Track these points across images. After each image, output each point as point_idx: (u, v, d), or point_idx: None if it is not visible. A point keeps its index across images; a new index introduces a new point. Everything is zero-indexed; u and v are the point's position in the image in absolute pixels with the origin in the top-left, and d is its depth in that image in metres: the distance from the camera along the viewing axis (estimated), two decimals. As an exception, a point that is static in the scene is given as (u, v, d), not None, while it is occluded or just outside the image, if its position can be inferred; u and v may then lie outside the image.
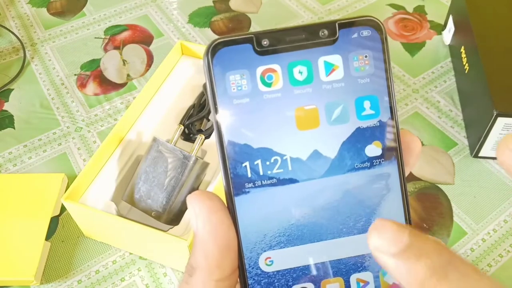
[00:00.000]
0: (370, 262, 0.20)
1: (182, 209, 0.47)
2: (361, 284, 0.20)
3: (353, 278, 0.20)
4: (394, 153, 0.20)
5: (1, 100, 0.62)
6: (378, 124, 0.19)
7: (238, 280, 0.19)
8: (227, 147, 0.19)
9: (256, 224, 0.19)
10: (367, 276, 0.20)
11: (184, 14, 0.74)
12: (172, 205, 0.46)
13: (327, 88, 0.19)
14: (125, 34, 0.71)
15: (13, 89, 0.64)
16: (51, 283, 0.47)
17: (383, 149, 0.20)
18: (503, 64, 0.54)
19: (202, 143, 0.49)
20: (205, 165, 0.48)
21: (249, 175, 0.19)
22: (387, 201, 0.20)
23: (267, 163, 0.19)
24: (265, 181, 0.19)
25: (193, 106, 0.56)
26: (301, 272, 0.20)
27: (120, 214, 0.47)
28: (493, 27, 0.58)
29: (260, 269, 0.19)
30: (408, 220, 0.20)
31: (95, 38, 0.71)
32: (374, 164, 0.20)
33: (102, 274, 0.47)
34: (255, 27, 0.72)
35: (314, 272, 0.20)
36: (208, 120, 0.56)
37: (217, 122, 0.19)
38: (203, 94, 0.57)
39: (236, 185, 0.19)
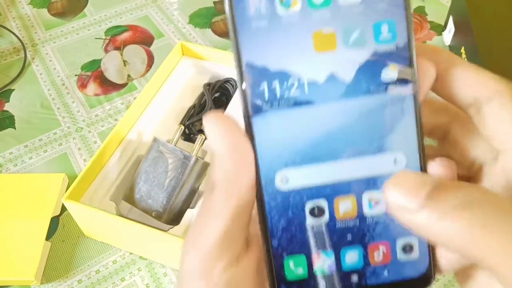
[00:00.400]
0: (382, 184, 0.20)
1: (183, 209, 0.47)
2: (372, 203, 0.20)
3: (365, 197, 0.20)
4: (410, 77, 0.20)
5: (2, 101, 0.63)
6: (395, 48, 0.20)
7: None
8: (245, 69, 0.19)
9: (272, 144, 0.20)
10: (378, 195, 0.20)
11: (184, 15, 0.74)
12: (173, 205, 0.46)
13: (345, 11, 0.19)
14: (125, 35, 0.71)
15: (14, 90, 0.64)
16: (51, 283, 0.47)
17: (399, 73, 0.20)
18: (503, 64, 0.54)
19: (203, 143, 0.49)
20: (206, 165, 0.48)
21: (266, 96, 0.19)
22: (401, 124, 0.20)
23: (284, 85, 0.19)
24: (282, 102, 0.19)
25: (193, 106, 0.56)
26: (315, 190, 0.20)
27: (120, 214, 0.47)
28: (494, 28, 0.58)
29: (276, 187, 0.20)
30: (421, 142, 0.20)
31: (96, 38, 0.71)
32: (390, 87, 0.20)
33: (103, 274, 0.47)
34: (255, 28, 0.72)
35: (327, 190, 0.20)
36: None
37: (236, 44, 0.19)
38: (203, 94, 0.57)
39: (253, 106, 0.19)
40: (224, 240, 0.19)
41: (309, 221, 0.20)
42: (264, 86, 0.19)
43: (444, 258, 0.20)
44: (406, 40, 0.20)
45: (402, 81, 0.20)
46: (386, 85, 0.20)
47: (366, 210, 0.20)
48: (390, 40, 0.20)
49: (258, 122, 0.19)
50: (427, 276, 0.21)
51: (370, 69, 0.20)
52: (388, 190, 0.18)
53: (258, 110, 0.19)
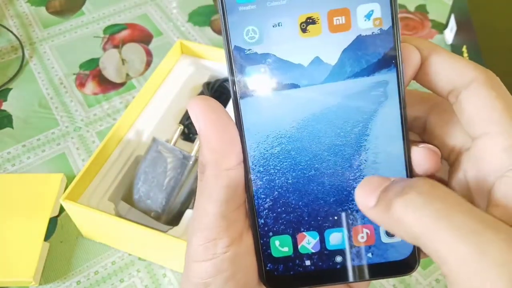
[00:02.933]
0: (366, 166, 0.21)
1: (182, 209, 0.46)
2: (356, 185, 0.21)
3: (349, 178, 0.21)
4: (394, 61, 0.20)
5: (-1, 100, 0.62)
6: (379, 33, 0.20)
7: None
8: (233, 52, 0.20)
9: (259, 125, 0.20)
10: (361, 177, 0.21)
11: (183, 13, 0.74)
12: (172, 205, 0.45)
13: None
14: (124, 33, 0.71)
15: (11, 89, 0.63)
16: (49, 284, 0.47)
17: (383, 57, 0.20)
18: (505, 63, 0.54)
19: (202, 143, 0.49)
20: (205, 165, 0.48)
21: (253, 79, 0.20)
22: (385, 108, 0.20)
23: (270, 68, 0.20)
24: (268, 84, 0.20)
25: (192, 106, 0.56)
26: (301, 171, 0.21)
27: (119, 215, 0.47)
28: (495, 26, 0.58)
29: (263, 167, 0.21)
30: (404, 124, 0.21)
31: (94, 37, 0.70)
32: (374, 71, 0.20)
33: (101, 275, 0.47)
34: (255, 26, 0.72)
35: (312, 170, 0.21)
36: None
37: (225, 28, 0.20)
38: (203, 94, 0.56)
39: (241, 88, 0.20)
40: (222, 219, 0.20)
41: (295, 200, 0.21)
42: (251, 69, 0.20)
43: None
44: (390, 24, 0.20)
45: (386, 65, 0.20)
46: (370, 69, 0.20)
47: (351, 191, 0.21)
48: (375, 24, 0.20)
49: (245, 104, 0.20)
50: (412, 260, 0.21)
51: (355, 53, 0.20)
52: (356, 192, 0.19)
53: (245, 92, 0.20)
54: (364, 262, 0.21)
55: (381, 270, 0.21)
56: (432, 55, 0.20)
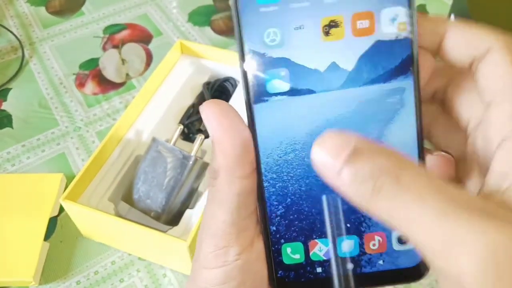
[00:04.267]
0: None
1: (182, 209, 0.46)
2: None
3: None
4: (412, 68, 0.20)
5: (-1, 100, 0.62)
6: (401, 38, 0.20)
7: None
8: (247, 55, 0.19)
9: (273, 131, 0.20)
10: None
11: (183, 13, 0.74)
12: (172, 205, 0.45)
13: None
14: (124, 33, 0.71)
15: (11, 89, 0.63)
16: (49, 283, 0.47)
17: (401, 63, 0.20)
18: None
19: (202, 143, 0.49)
20: (205, 165, 0.48)
21: (267, 84, 0.19)
22: (400, 115, 0.20)
23: (286, 72, 0.19)
24: (283, 90, 0.20)
25: (192, 106, 0.56)
26: (314, 178, 0.20)
27: (119, 215, 0.47)
28: (495, 26, 0.58)
29: (276, 173, 0.20)
30: (420, 132, 0.20)
31: (94, 37, 0.70)
32: (391, 78, 0.20)
33: (101, 275, 0.47)
34: (255, 26, 0.72)
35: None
36: (208, 119, 0.56)
37: (239, 29, 0.19)
38: (203, 94, 0.56)
39: (255, 93, 0.19)
40: (233, 226, 0.19)
41: (308, 207, 0.20)
42: (266, 73, 0.19)
43: None
44: (410, 30, 0.19)
45: (403, 71, 0.20)
46: (388, 75, 0.20)
47: None
48: (399, 28, 0.19)
49: (259, 110, 0.20)
50: (422, 266, 0.21)
51: (374, 58, 0.20)
52: (313, 149, 0.17)
53: (259, 97, 0.19)
54: (375, 269, 0.21)
55: (391, 277, 0.21)
56: (448, 30, 0.20)
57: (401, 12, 0.19)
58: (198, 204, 0.47)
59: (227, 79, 0.58)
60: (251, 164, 0.19)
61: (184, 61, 0.60)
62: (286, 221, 0.20)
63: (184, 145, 0.52)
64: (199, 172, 0.47)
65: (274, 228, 0.21)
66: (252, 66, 0.19)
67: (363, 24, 0.19)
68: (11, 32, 0.70)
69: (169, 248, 0.44)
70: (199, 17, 0.73)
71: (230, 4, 0.19)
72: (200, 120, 0.55)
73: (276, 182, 0.20)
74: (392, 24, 0.19)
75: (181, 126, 0.51)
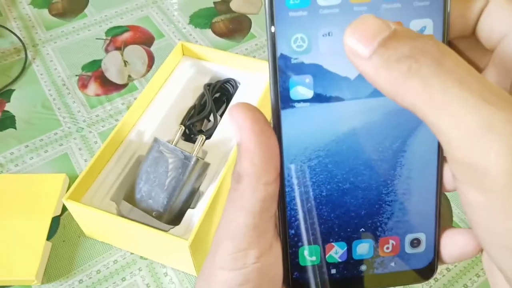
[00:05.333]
0: (401, 184, 0.20)
1: (183, 209, 0.47)
2: (390, 199, 0.21)
3: (384, 192, 0.21)
4: None
5: (2, 101, 0.63)
6: None
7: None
8: (278, 60, 0.19)
9: (298, 137, 0.20)
10: (396, 194, 0.21)
11: (185, 15, 0.74)
12: (173, 205, 0.46)
13: (384, 7, 0.19)
14: (126, 35, 0.71)
15: (14, 90, 0.64)
16: (52, 282, 0.47)
17: None
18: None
19: (203, 144, 0.49)
20: (206, 166, 0.48)
21: (297, 90, 0.19)
22: (424, 125, 0.19)
23: (316, 80, 0.19)
24: (311, 97, 0.19)
25: (194, 107, 0.56)
26: (335, 184, 0.20)
27: (121, 214, 0.47)
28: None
29: (298, 179, 0.20)
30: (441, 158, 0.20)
31: (97, 39, 0.71)
32: None
33: (103, 274, 0.48)
34: (255, 28, 0.72)
35: (347, 185, 0.20)
36: (209, 120, 0.56)
37: (271, 33, 0.19)
38: (203, 95, 0.57)
39: (283, 98, 0.19)
40: (254, 231, 0.19)
41: (327, 212, 0.21)
42: (296, 79, 0.19)
43: (447, 249, 0.21)
44: (441, 40, 0.19)
45: None
46: None
47: (382, 205, 0.21)
48: None
49: (286, 115, 0.19)
50: (431, 268, 0.22)
51: None
52: (347, 33, 0.16)
53: (287, 103, 0.19)
54: (387, 270, 0.22)
55: (401, 278, 0.22)
56: (484, 10, 0.19)
57: (429, 24, 0.19)
58: (199, 204, 0.47)
59: (228, 81, 0.58)
60: (277, 170, 0.19)
61: (185, 63, 0.60)
62: (305, 225, 0.21)
63: (185, 145, 0.52)
64: (200, 172, 0.48)
65: (293, 232, 0.21)
66: (281, 71, 0.19)
67: None
68: (14, 34, 0.70)
69: (171, 247, 0.44)
70: (200, 19, 0.74)
71: (265, 10, 0.18)
72: (201, 121, 0.55)
73: (298, 188, 0.20)
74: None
75: (183, 127, 0.51)
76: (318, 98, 0.19)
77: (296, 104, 0.19)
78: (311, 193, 0.20)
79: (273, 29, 0.19)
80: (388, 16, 0.19)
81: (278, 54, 0.19)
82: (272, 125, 0.19)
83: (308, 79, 0.19)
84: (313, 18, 0.19)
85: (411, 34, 0.16)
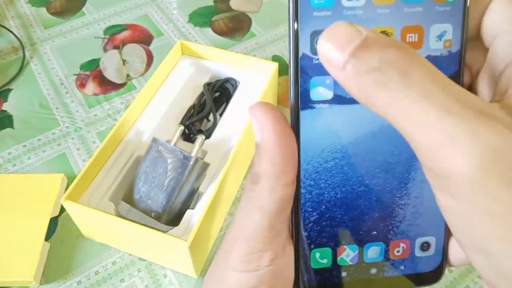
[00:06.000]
0: (410, 187, 0.21)
1: (182, 209, 0.46)
2: (402, 204, 0.21)
3: (396, 197, 0.21)
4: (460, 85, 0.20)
5: (0, 100, 0.62)
6: (447, 55, 0.20)
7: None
8: (301, 60, 0.19)
9: (316, 138, 0.20)
10: (408, 198, 0.21)
11: (184, 14, 0.74)
12: (172, 206, 0.45)
13: (407, 11, 0.19)
14: (124, 34, 0.71)
15: (12, 89, 0.63)
16: (50, 284, 0.47)
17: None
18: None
19: (203, 144, 0.49)
20: (205, 166, 0.48)
21: (317, 91, 0.19)
22: None
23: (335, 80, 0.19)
24: (331, 98, 0.19)
25: (193, 106, 0.56)
26: (350, 187, 0.20)
27: (119, 215, 0.47)
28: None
29: (314, 180, 0.20)
30: None
31: (95, 37, 0.70)
32: None
33: (102, 275, 0.47)
34: (255, 27, 0.72)
35: (362, 187, 0.21)
36: (209, 120, 0.56)
37: (295, 33, 0.19)
38: (203, 94, 0.56)
39: (303, 99, 0.19)
40: (270, 232, 0.19)
41: (341, 215, 0.21)
42: (316, 79, 0.19)
43: (455, 252, 0.22)
44: (458, 47, 0.19)
45: None
46: None
47: (395, 208, 0.21)
48: (444, 45, 0.20)
49: (305, 116, 0.19)
50: (439, 271, 0.22)
51: None
52: (320, 40, 0.17)
53: (307, 104, 0.19)
54: (396, 274, 0.22)
55: (409, 280, 0.22)
56: (488, 9, 0.19)
57: (449, 29, 0.19)
58: (198, 205, 0.47)
59: (227, 80, 0.58)
60: (295, 171, 0.19)
61: (184, 62, 0.60)
62: (318, 227, 0.21)
63: (184, 145, 0.52)
64: (200, 173, 0.47)
65: (306, 234, 0.21)
66: (303, 71, 0.19)
67: (412, 37, 0.19)
68: (12, 32, 0.70)
69: (170, 248, 0.44)
70: (200, 18, 0.73)
71: (288, 9, 0.18)
72: (200, 120, 0.55)
73: (313, 189, 0.20)
74: (439, 40, 0.19)
75: (182, 127, 0.51)
76: (337, 99, 0.19)
77: (315, 105, 0.19)
78: (325, 195, 0.20)
79: (296, 28, 0.19)
80: (410, 19, 0.19)
81: (300, 54, 0.19)
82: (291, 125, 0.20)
83: (328, 80, 0.19)
84: (337, 19, 0.18)
85: (381, 42, 0.16)
